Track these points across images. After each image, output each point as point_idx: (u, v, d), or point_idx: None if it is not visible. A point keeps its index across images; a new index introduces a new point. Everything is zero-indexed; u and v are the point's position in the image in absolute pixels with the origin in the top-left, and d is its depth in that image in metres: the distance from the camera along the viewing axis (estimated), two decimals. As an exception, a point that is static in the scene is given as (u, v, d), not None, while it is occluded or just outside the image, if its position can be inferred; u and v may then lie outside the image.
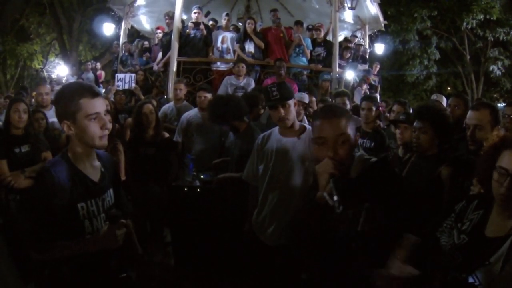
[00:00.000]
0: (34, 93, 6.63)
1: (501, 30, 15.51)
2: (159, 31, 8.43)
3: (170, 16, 7.69)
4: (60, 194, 1.68)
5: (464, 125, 2.57)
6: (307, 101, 5.13)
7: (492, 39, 16.32)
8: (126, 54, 8.66)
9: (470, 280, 1.52)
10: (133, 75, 7.52)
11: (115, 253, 1.80)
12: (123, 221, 1.76)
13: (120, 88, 7.23)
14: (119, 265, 1.89)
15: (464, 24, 15.48)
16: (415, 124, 2.75)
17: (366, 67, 8.86)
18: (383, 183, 1.54)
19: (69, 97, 1.73)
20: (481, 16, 14.99)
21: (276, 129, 2.83)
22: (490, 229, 1.62)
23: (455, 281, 1.58)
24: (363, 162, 1.67)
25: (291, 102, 2.69)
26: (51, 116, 4.28)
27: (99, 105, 1.76)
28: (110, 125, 1.79)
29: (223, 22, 7.69)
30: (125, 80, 7.42)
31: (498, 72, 16.94)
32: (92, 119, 1.73)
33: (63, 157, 1.81)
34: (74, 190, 1.74)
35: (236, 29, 8.06)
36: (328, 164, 1.60)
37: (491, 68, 17.01)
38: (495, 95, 19.32)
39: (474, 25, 15.47)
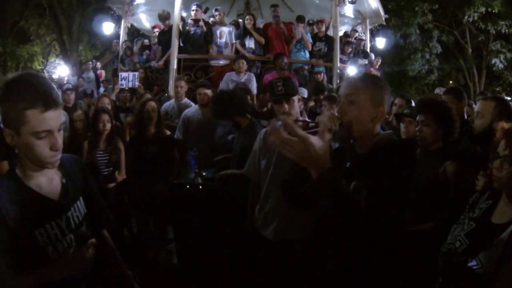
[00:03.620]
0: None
1: (503, 23, 15.45)
2: (156, 29, 8.38)
3: (164, 16, 7.62)
4: (6, 223, 1.34)
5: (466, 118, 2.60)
6: (306, 96, 5.37)
7: (494, 32, 16.27)
8: (125, 56, 8.61)
9: (473, 263, 1.60)
10: (137, 73, 7.47)
11: (84, 277, 1.53)
12: (93, 241, 1.48)
13: (124, 86, 7.20)
14: None
15: (466, 17, 15.43)
16: (417, 117, 2.72)
17: (366, 61, 8.81)
18: (397, 161, 1.48)
19: (15, 101, 1.30)
20: (483, 9, 14.94)
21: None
22: (496, 216, 1.71)
23: (455, 265, 1.67)
24: (386, 139, 1.61)
25: (295, 97, 2.71)
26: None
27: (53, 120, 1.35)
28: (61, 146, 1.41)
29: (216, 18, 7.65)
30: (129, 78, 7.37)
31: (500, 65, 16.88)
32: (41, 138, 1.34)
33: (9, 176, 1.44)
34: (27, 215, 1.39)
35: (237, 25, 8.01)
36: (329, 116, 1.56)
37: (493, 62, 16.97)
38: (497, 89, 19.21)
39: (475, 18, 15.42)
